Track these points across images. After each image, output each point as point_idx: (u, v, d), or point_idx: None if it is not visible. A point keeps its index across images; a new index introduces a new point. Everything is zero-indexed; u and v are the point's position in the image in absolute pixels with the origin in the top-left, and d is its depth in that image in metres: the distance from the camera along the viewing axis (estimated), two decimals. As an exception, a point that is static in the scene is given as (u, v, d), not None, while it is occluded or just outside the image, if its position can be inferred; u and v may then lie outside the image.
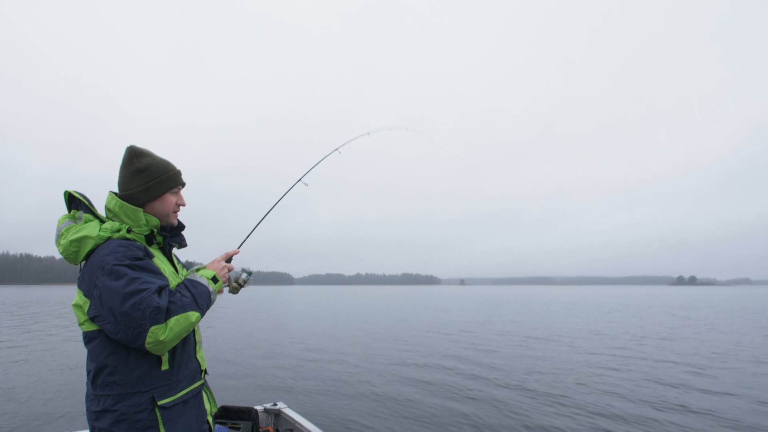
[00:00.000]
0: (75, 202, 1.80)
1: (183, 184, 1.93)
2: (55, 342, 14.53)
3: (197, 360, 1.91)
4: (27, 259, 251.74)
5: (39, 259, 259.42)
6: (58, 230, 1.74)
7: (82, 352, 12.22)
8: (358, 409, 6.84)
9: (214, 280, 1.84)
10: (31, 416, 6.23)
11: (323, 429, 3.64)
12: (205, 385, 1.98)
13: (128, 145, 1.85)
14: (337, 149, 3.11)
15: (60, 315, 27.36)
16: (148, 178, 1.82)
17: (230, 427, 3.79)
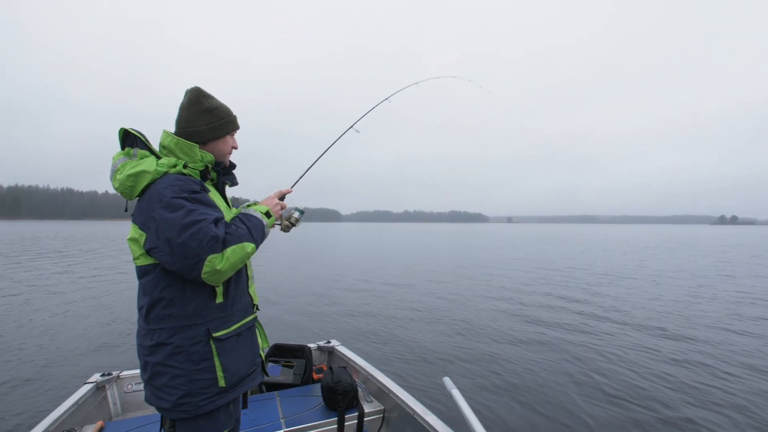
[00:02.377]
0: (129, 140, 1.79)
1: (239, 128, 2.00)
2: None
3: (249, 294, 1.93)
4: (69, 194, 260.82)
5: (81, 194, 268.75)
6: (114, 166, 1.73)
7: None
8: (414, 349, 6.78)
9: (268, 215, 1.88)
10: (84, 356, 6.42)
11: (376, 366, 3.65)
12: (257, 320, 2.00)
13: (193, 86, 1.88)
14: (387, 99, 3.19)
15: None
16: (215, 118, 1.86)
17: (283, 365, 3.78)
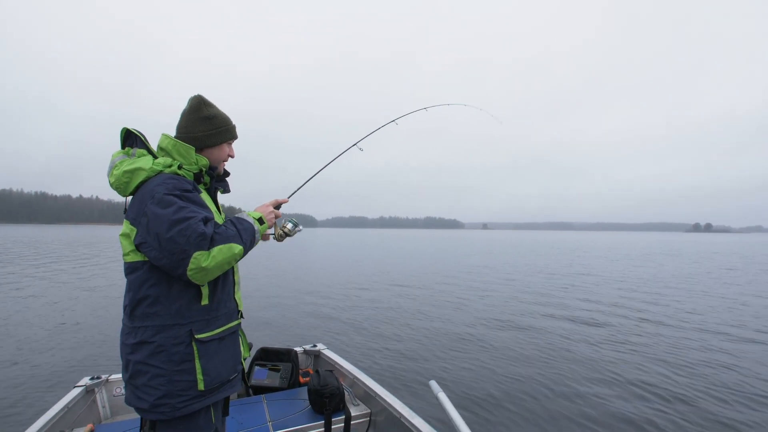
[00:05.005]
0: (130, 140, 1.85)
1: (236, 137, 2.05)
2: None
3: (235, 300, 1.93)
4: (42, 198, 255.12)
5: (55, 198, 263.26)
6: (112, 163, 1.78)
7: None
8: (400, 352, 6.81)
9: (260, 221, 1.91)
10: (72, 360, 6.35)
11: (362, 369, 3.67)
12: (240, 327, 1.99)
13: (196, 94, 1.95)
14: (394, 121, 3.21)
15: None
16: (213, 126, 1.92)
17: (270, 369, 3.76)
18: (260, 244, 2.05)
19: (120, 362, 1.77)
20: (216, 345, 1.76)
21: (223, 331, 1.80)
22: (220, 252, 1.61)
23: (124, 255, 1.73)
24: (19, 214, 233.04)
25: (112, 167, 1.76)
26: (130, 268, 1.72)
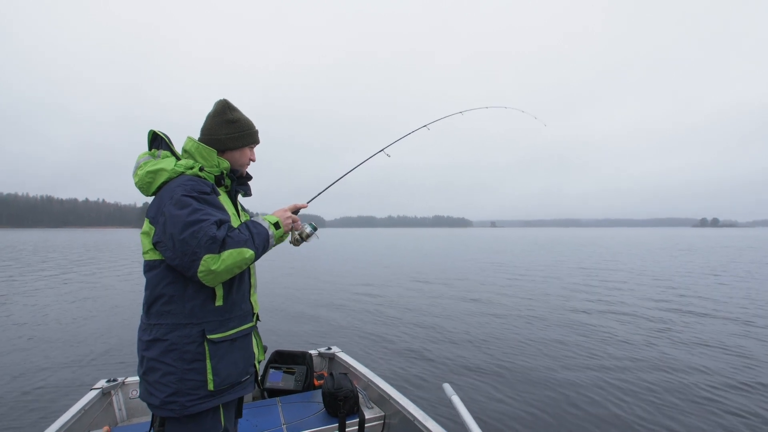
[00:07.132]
0: (156, 142, 1.92)
1: (259, 142, 2.09)
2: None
3: (251, 303, 1.95)
4: (48, 202, 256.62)
5: (61, 202, 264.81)
6: (137, 163, 1.86)
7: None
8: (414, 355, 6.78)
9: (276, 226, 1.92)
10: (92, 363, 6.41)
11: (376, 372, 3.68)
12: (255, 329, 2.01)
13: (222, 98, 2.02)
14: (426, 125, 3.10)
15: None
16: (236, 129, 1.97)
17: (285, 371, 3.79)
18: (279, 245, 2.06)
19: (136, 362, 1.81)
20: (227, 346, 1.78)
21: (235, 332, 1.82)
22: (230, 256, 1.63)
23: (143, 253, 1.78)
24: (25, 218, 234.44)
25: (137, 167, 1.84)
26: (148, 266, 1.77)
